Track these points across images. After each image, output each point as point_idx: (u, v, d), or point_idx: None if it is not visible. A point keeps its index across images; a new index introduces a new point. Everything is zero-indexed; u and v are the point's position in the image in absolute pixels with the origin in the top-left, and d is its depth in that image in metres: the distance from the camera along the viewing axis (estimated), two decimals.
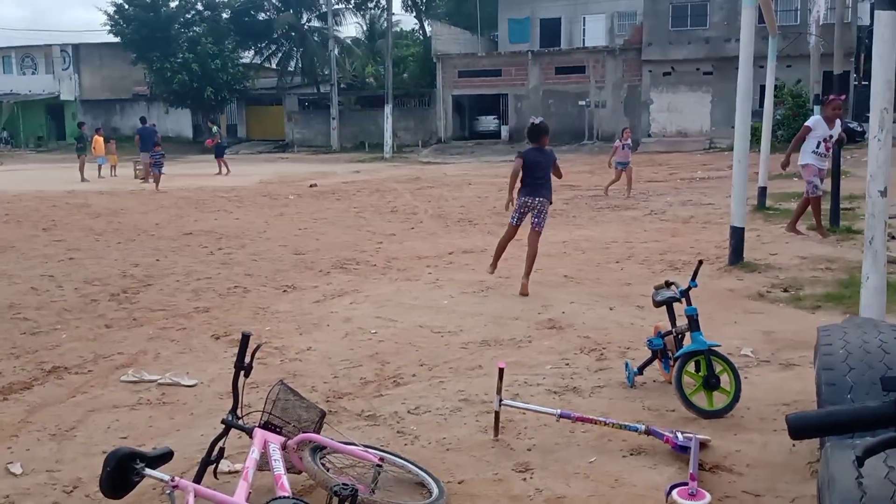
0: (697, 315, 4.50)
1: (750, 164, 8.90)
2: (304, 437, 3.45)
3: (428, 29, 50.37)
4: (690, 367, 4.45)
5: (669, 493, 3.38)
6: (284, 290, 8.18)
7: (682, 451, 3.80)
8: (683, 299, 4.63)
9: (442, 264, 9.47)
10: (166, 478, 2.87)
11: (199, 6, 47.55)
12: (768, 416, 4.33)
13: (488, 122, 43.69)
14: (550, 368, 5.33)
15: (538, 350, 5.78)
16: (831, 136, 9.94)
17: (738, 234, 8.56)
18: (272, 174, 26.48)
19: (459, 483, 3.68)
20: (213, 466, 3.40)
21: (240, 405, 3.42)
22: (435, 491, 3.45)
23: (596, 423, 4.07)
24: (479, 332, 6.31)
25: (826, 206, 10.71)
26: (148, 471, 2.93)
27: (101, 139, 27.29)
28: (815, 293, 7.19)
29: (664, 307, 4.86)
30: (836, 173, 11.06)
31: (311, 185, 21.13)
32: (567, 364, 5.42)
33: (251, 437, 3.38)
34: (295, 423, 3.60)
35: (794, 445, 3.83)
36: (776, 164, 12.58)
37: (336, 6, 48.14)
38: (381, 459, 3.50)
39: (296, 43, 49.26)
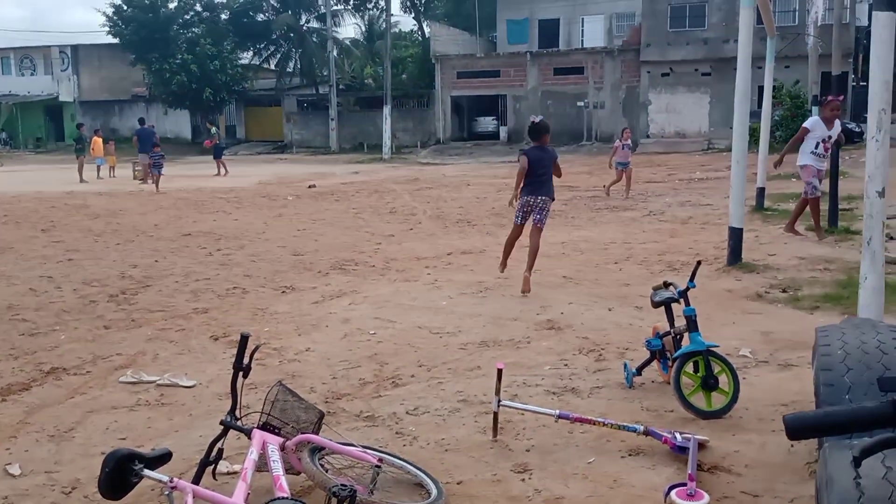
0: (696, 316, 4.50)
1: (748, 165, 8.91)
2: (303, 438, 3.45)
3: (426, 30, 50.40)
4: (689, 367, 4.45)
5: (668, 493, 3.39)
6: (283, 291, 8.18)
7: (680, 451, 3.80)
8: (682, 300, 4.63)
9: (441, 265, 9.47)
10: (165, 479, 2.87)
11: (198, 7, 47.53)
12: (767, 417, 4.33)
13: (487, 123, 43.68)
14: (549, 369, 5.33)
15: (537, 351, 5.78)
16: (830, 137, 9.94)
17: (736, 235, 8.57)
18: (271, 175, 26.48)
19: (458, 484, 3.68)
20: (212, 467, 3.40)
21: (238, 406, 3.42)
22: (434, 492, 3.45)
23: (594, 424, 4.07)
24: (478, 332, 6.32)
25: (824, 206, 10.72)
26: (146, 472, 2.93)
27: (100, 140, 27.32)
28: (814, 294, 7.19)
29: (662, 308, 4.86)
30: (834, 174, 11.08)
31: (309, 186, 21.14)
32: (566, 365, 5.42)
33: (250, 437, 3.38)
34: (293, 423, 3.60)
35: (792, 446, 3.84)
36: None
37: (335, 7, 48.18)
38: (380, 460, 3.50)
39: (294, 44, 49.26)
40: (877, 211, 4.44)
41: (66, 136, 47.21)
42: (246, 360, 3.37)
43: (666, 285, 4.94)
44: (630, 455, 3.93)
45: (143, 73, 47.27)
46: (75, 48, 50.09)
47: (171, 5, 46.00)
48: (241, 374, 3.37)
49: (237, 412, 3.41)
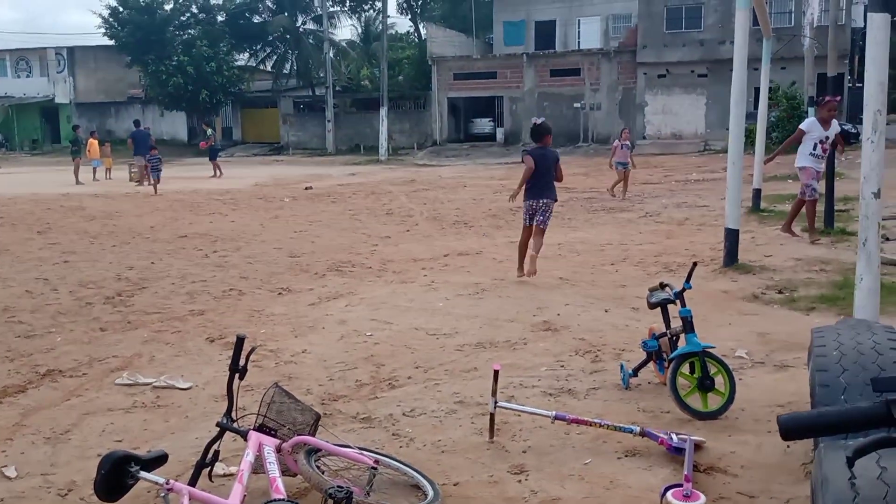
0: (692, 317, 4.51)
1: (744, 167, 8.93)
2: (299, 440, 3.45)
3: (423, 31, 50.37)
4: (685, 368, 4.46)
5: (664, 494, 3.39)
6: (279, 293, 8.18)
7: (676, 452, 3.80)
8: (678, 301, 4.63)
9: (437, 266, 9.47)
10: (161, 481, 2.87)
11: (194, 9, 47.49)
12: (763, 418, 4.34)
13: (483, 125, 43.67)
14: (545, 370, 5.34)
15: (533, 352, 5.79)
16: (827, 138, 9.97)
17: (732, 236, 8.58)
18: (267, 177, 26.45)
19: (454, 485, 3.68)
20: (208, 469, 3.39)
21: (234, 408, 3.42)
22: (430, 493, 3.45)
23: (591, 425, 4.07)
24: (475, 334, 6.32)
25: (820, 207, 10.75)
26: (143, 474, 2.93)
27: (96, 142, 27.26)
28: (810, 295, 7.21)
29: (659, 309, 4.87)
30: (830, 175, 11.10)
31: (306, 188, 21.13)
32: (562, 366, 5.43)
33: (246, 439, 3.38)
34: (290, 425, 3.60)
35: (788, 447, 3.84)
36: (771, 166, 12.62)
37: (331, 9, 48.12)
38: (377, 462, 3.50)
39: (291, 45, 49.23)
40: (872, 212, 4.46)
41: (62, 138, 47.09)
42: (242, 362, 3.36)
43: (662, 286, 4.95)
44: (626, 456, 3.93)
45: (139, 75, 47.20)
46: (71, 50, 49.98)
47: (168, 7, 45.94)
48: (237, 375, 3.37)
49: (233, 414, 3.41)
